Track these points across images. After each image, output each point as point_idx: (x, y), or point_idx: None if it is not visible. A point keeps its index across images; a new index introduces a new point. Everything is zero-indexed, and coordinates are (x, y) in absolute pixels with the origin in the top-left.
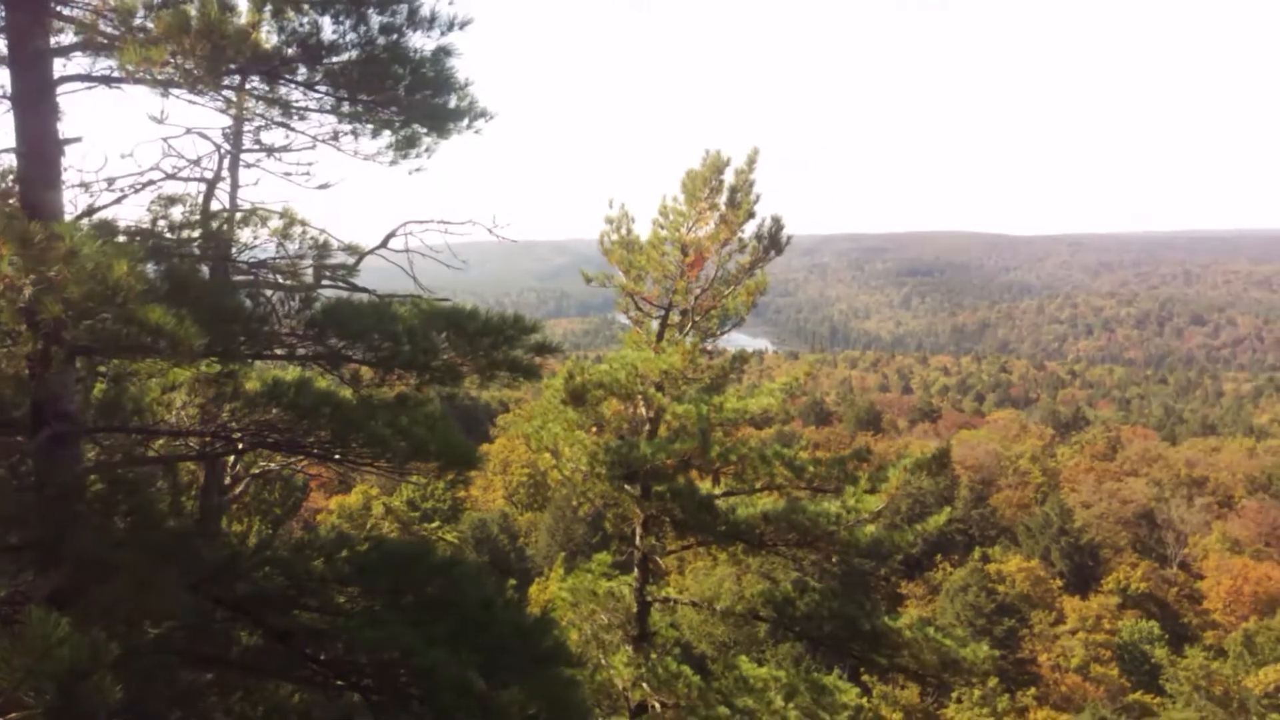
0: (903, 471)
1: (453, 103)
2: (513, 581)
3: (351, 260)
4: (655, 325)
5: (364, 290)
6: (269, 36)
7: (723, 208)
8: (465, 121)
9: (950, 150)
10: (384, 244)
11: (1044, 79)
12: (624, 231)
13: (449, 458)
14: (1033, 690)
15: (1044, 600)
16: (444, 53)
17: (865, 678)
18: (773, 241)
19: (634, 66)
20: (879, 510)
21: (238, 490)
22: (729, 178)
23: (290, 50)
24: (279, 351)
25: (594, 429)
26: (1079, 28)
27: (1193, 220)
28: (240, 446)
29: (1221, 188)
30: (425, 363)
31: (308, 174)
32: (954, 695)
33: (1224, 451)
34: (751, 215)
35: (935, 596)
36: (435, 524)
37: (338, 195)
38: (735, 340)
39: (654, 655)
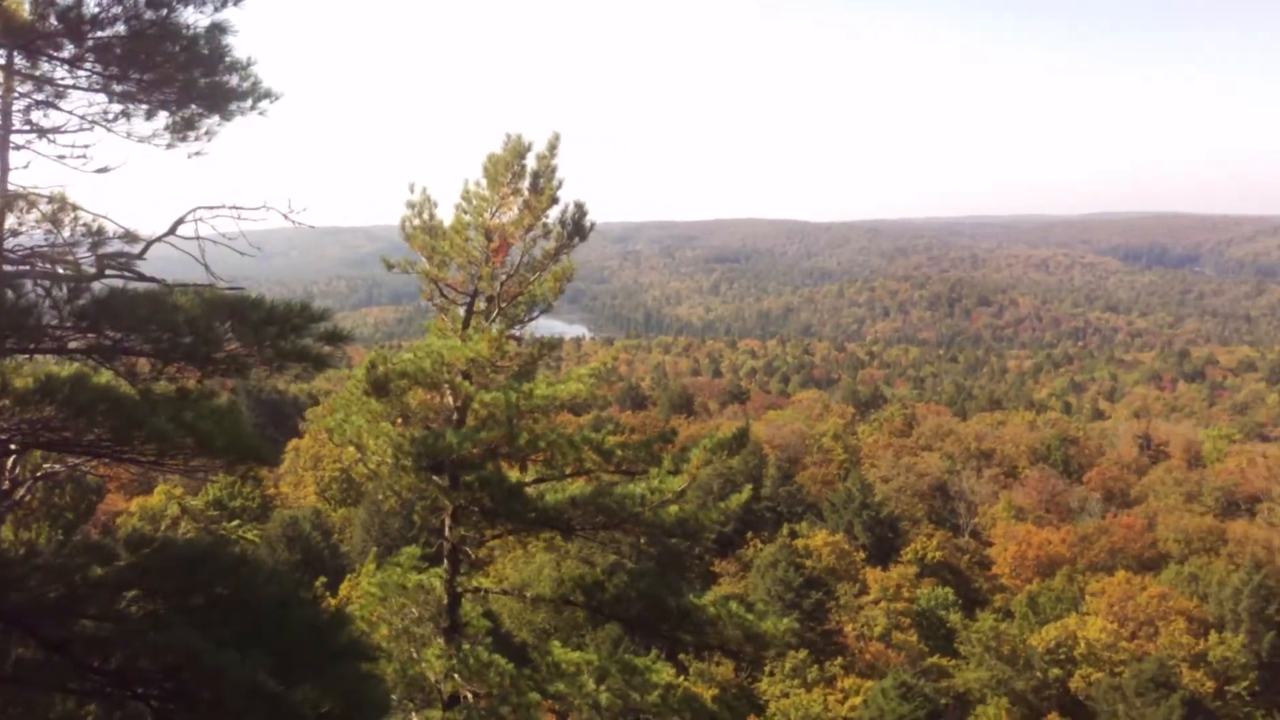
0: (703, 452)
1: (233, 83)
2: (322, 579)
3: (132, 249)
4: (461, 312)
5: (151, 280)
6: (25, 7)
7: (526, 193)
8: (248, 103)
9: (755, 141)
10: (172, 231)
11: (846, 73)
12: (426, 216)
13: (238, 452)
14: (839, 659)
15: (848, 572)
16: (219, 30)
17: (682, 656)
18: (577, 227)
19: (446, 50)
20: (682, 490)
21: (19, 494)
22: (531, 163)
23: (50, 23)
24: (48, 345)
25: (399, 420)
26: (876, 23)
27: (978, 207)
28: (13, 448)
29: (1002, 177)
30: (208, 354)
31: (84, 157)
32: (766, 669)
33: (1009, 425)
34: (555, 201)
35: (747, 573)
36: (235, 523)
37: (131, 181)
38: (551, 327)
39: (466, 646)
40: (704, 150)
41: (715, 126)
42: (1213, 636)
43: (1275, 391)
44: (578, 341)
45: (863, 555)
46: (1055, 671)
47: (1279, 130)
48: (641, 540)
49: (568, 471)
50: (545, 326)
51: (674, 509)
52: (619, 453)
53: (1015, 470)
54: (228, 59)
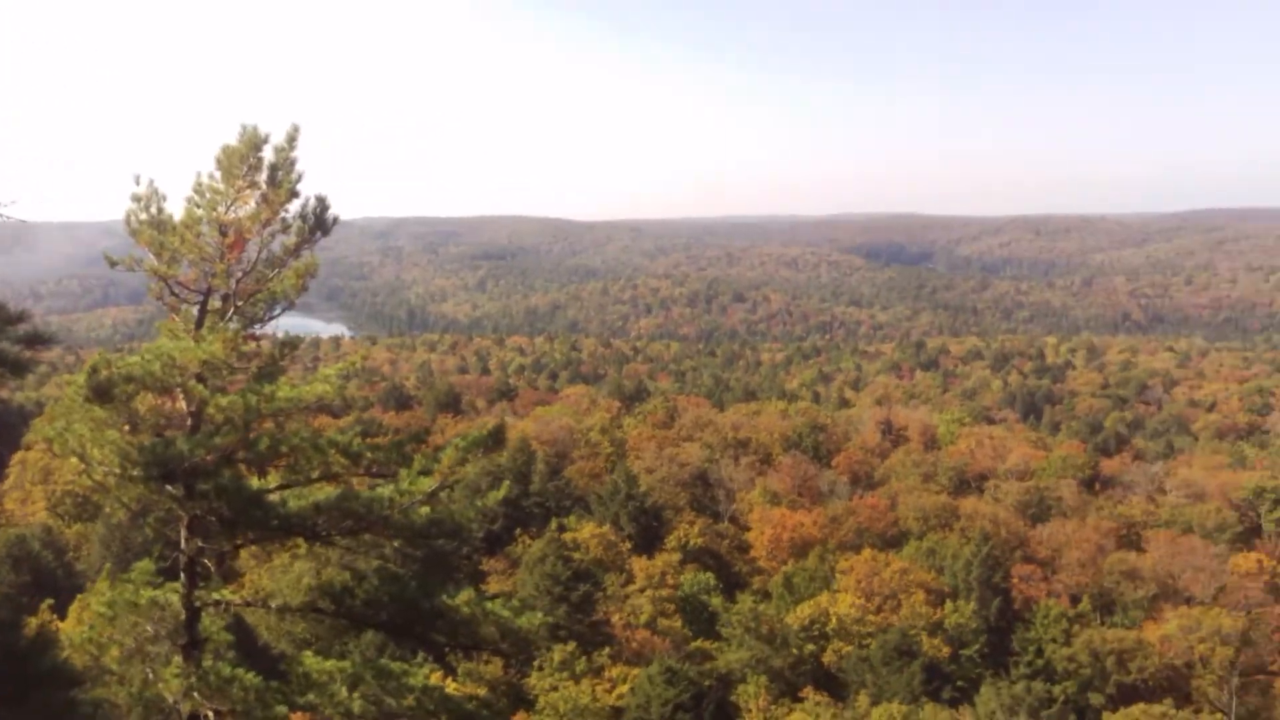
0: (456, 451)
1: None
2: (51, 601)
3: None
4: (194, 312)
5: None
6: None
7: (264, 186)
8: None
9: (520, 139)
10: None
11: (606, 78)
12: (154, 210)
13: None
14: (608, 649)
15: (616, 563)
16: None
17: (450, 657)
18: (319, 222)
19: (204, 40)
20: (433, 490)
21: None
22: (269, 155)
23: None
24: None
25: (126, 427)
26: (629, 31)
27: (733, 208)
28: None
29: (756, 178)
30: None
31: None
32: (536, 664)
33: (763, 414)
34: (295, 194)
35: (516, 569)
36: None
37: None
38: (308, 326)
39: (208, 662)
40: (468, 146)
41: (478, 124)
42: (948, 605)
43: (999, 378)
44: (336, 341)
45: (629, 545)
46: (810, 647)
47: (1006, 136)
48: (399, 543)
49: (314, 476)
50: (301, 325)
51: (426, 510)
52: (368, 455)
53: (770, 457)
54: None
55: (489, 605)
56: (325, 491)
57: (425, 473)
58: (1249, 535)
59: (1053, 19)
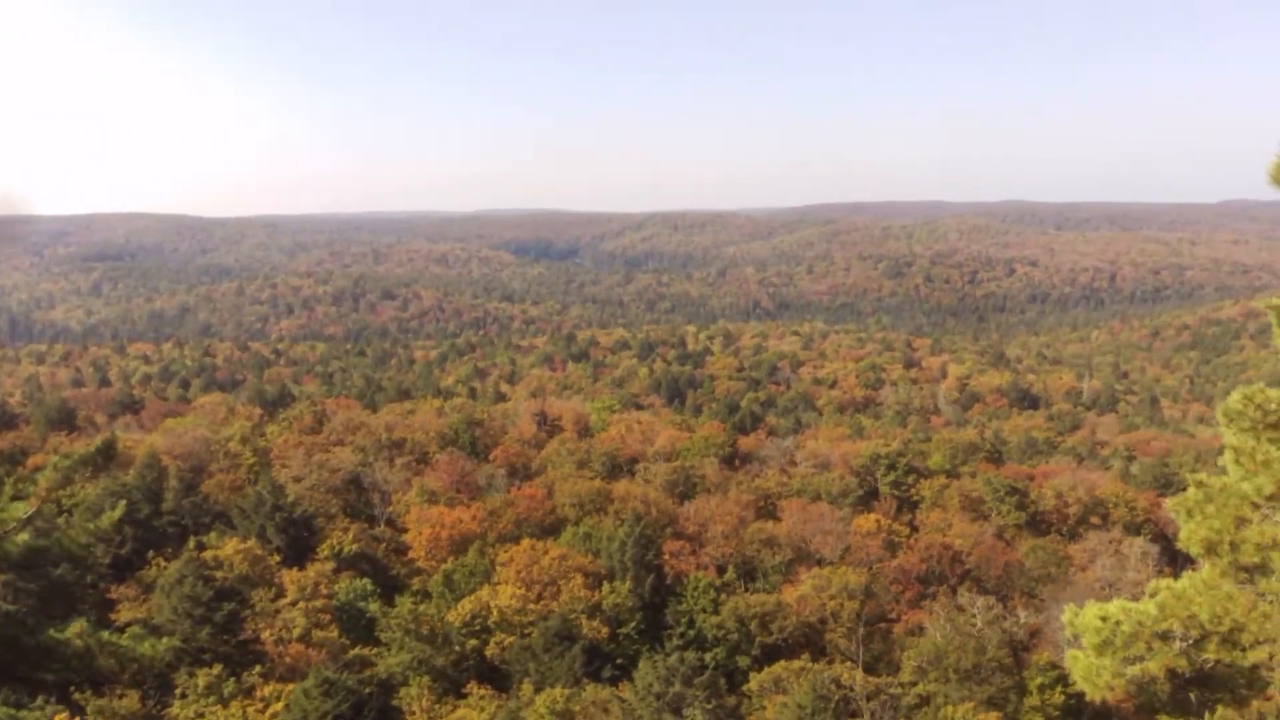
0: (56, 472)
1: None
2: None
3: None
4: None
5: None
6: None
7: None
8: None
9: (129, 132)
10: None
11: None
12: None
13: None
14: (259, 668)
15: (264, 578)
16: None
17: (77, 695)
18: None
19: None
20: (29, 516)
21: None
22: None
23: None
24: None
25: None
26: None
27: (379, 203)
28: None
29: (396, 176)
30: None
31: None
32: (178, 691)
33: (418, 413)
34: None
35: (150, 595)
36: None
37: None
38: None
39: None
40: (68, 139)
41: (78, 119)
42: (605, 587)
43: (645, 366)
44: None
45: (278, 558)
46: (473, 642)
47: (643, 136)
48: (6, 577)
49: None
50: None
51: (24, 537)
52: None
53: (426, 456)
54: None
55: (105, 636)
56: None
57: (19, 497)
58: (868, 498)
59: (681, 17)
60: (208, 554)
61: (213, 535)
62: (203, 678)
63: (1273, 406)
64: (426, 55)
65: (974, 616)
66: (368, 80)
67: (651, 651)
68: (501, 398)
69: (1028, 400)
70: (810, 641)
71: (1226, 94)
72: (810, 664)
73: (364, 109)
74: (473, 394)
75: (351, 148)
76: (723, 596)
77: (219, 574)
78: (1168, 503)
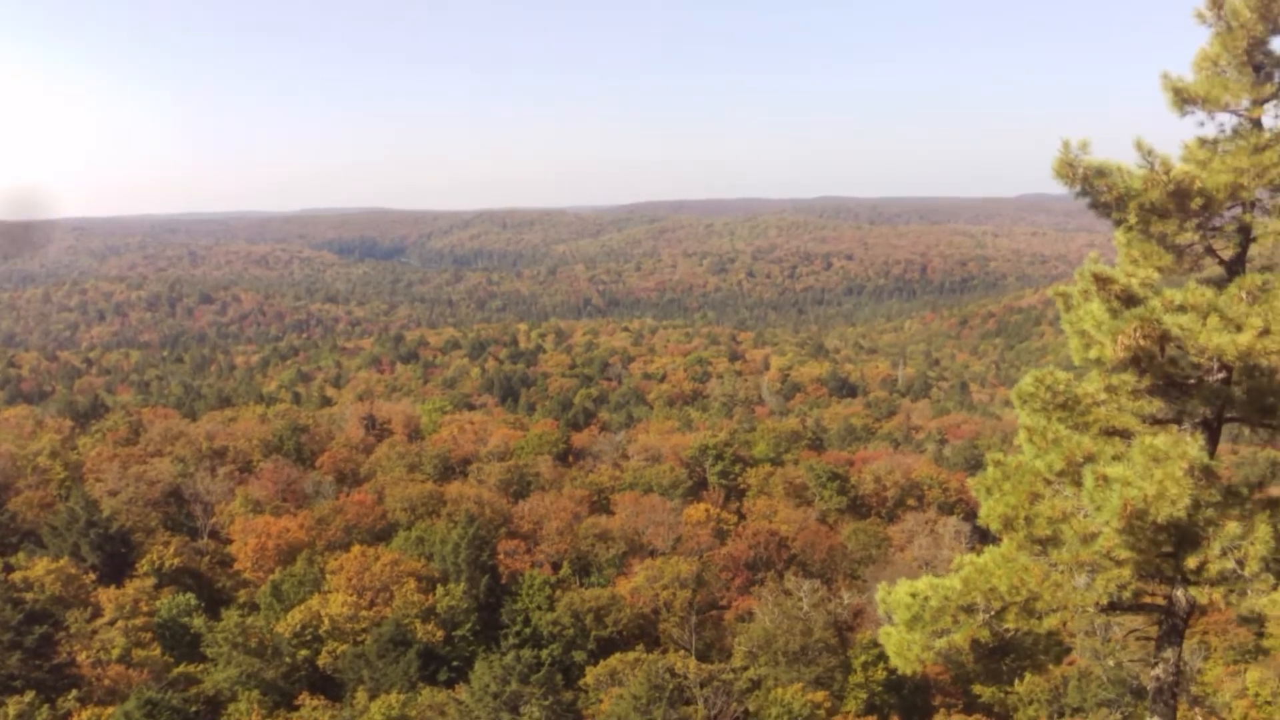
0: None
1: None
2: None
3: None
4: None
5: None
6: None
7: None
8: None
9: None
10: None
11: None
12: None
13: None
14: (74, 692)
15: (78, 598)
16: None
17: None
18: None
19: None
20: None
21: None
22: None
23: None
24: None
25: None
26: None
27: (194, 204)
28: None
29: (215, 175)
30: None
31: None
32: None
33: (240, 420)
34: None
35: None
36: None
37: None
38: None
39: None
40: None
41: None
42: (439, 590)
43: (477, 365)
44: None
45: (93, 577)
46: (304, 653)
47: (466, 134)
48: None
49: None
50: None
51: None
52: None
53: (250, 464)
54: None
55: None
56: None
57: None
58: (697, 488)
59: (506, 14)
60: (16, 575)
61: (21, 555)
62: (14, 706)
63: (1061, 388)
64: (245, 52)
65: (800, 600)
66: (184, 78)
67: (488, 652)
68: (327, 402)
69: (846, 389)
70: (645, 633)
71: (1024, 95)
72: (645, 655)
73: (177, 108)
74: (297, 399)
75: (167, 148)
76: (558, 593)
77: (29, 596)
78: (970, 482)
